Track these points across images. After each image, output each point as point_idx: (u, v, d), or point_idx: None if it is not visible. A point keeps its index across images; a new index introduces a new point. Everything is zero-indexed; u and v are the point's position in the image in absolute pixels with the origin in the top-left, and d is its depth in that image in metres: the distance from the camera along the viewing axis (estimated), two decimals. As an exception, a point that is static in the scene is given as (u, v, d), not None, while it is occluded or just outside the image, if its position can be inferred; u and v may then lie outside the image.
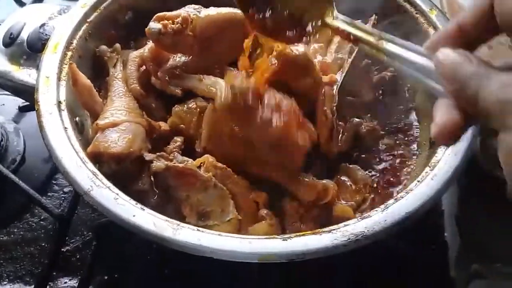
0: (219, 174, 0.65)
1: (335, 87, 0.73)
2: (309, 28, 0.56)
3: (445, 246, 0.81)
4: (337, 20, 0.53)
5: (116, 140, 0.65)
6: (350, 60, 0.78)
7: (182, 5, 0.73)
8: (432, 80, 0.42)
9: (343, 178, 0.72)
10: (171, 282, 0.77)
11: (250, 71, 0.72)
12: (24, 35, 0.81)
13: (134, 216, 0.56)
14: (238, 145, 0.67)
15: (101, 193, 0.58)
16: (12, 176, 0.82)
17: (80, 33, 0.77)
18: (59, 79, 0.70)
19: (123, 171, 0.65)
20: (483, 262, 0.76)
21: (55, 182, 0.90)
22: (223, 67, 0.75)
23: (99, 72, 0.78)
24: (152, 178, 0.66)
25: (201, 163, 0.66)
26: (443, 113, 0.40)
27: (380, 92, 0.82)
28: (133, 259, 0.79)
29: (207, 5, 0.74)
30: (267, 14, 0.59)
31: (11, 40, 0.81)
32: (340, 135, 0.75)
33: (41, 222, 0.86)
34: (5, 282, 0.79)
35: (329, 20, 0.54)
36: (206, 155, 0.66)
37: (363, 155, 0.76)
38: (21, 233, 0.84)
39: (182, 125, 0.71)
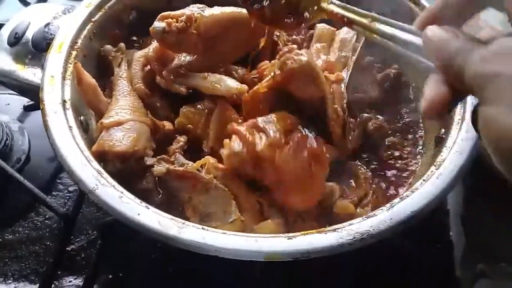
0: (221, 175, 0.65)
1: (342, 84, 0.73)
2: (306, 14, 0.59)
3: (451, 246, 0.81)
4: (332, 4, 0.57)
5: (120, 139, 0.65)
6: (354, 57, 0.78)
7: (186, 5, 0.73)
8: (423, 57, 0.43)
9: (345, 176, 0.71)
10: (176, 281, 0.77)
11: (253, 77, 0.73)
12: (29, 35, 0.81)
13: (139, 214, 0.56)
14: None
15: (106, 192, 0.58)
16: (17, 175, 0.82)
17: (84, 32, 0.77)
18: (64, 78, 0.71)
19: (127, 169, 0.65)
20: (489, 262, 0.76)
21: (60, 181, 0.90)
22: (228, 66, 0.76)
23: (103, 72, 0.78)
24: (156, 178, 0.66)
25: (202, 165, 0.65)
26: (432, 88, 0.41)
27: (385, 89, 0.82)
28: (138, 258, 0.79)
29: (211, 5, 0.74)
30: (265, 3, 0.61)
31: (16, 39, 0.81)
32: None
33: (46, 221, 0.86)
34: (10, 281, 0.79)
35: (324, 4, 0.57)
36: (207, 157, 0.66)
37: (368, 153, 0.76)
38: (26, 232, 0.84)
39: (190, 125, 0.71)
